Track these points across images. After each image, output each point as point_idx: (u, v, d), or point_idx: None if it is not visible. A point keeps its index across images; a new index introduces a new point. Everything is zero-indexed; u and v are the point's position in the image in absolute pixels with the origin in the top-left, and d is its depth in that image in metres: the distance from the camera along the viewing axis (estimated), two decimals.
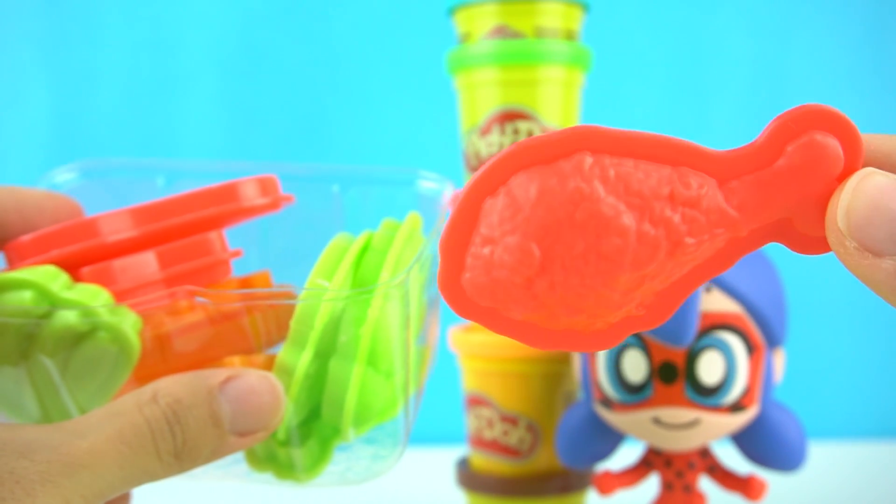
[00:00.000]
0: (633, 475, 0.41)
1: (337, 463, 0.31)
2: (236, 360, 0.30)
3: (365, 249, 0.31)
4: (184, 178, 0.38)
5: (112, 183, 0.38)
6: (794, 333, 0.41)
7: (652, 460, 0.41)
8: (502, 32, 0.43)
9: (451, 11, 0.45)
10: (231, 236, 0.35)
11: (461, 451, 0.49)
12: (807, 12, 0.69)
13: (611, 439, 0.40)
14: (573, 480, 0.45)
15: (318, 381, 0.29)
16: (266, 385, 0.28)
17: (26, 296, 0.28)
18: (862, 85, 0.69)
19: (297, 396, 0.29)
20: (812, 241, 0.21)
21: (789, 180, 0.21)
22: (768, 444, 0.39)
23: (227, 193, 0.32)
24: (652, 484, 0.41)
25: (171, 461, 0.27)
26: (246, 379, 0.28)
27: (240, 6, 0.70)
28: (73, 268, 0.30)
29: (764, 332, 0.38)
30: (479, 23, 0.43)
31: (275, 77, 0.71)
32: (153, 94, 0.70)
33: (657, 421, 0.38)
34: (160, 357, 0.30)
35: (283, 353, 0.29)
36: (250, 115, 0.71)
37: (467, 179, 0.46)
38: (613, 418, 0.39)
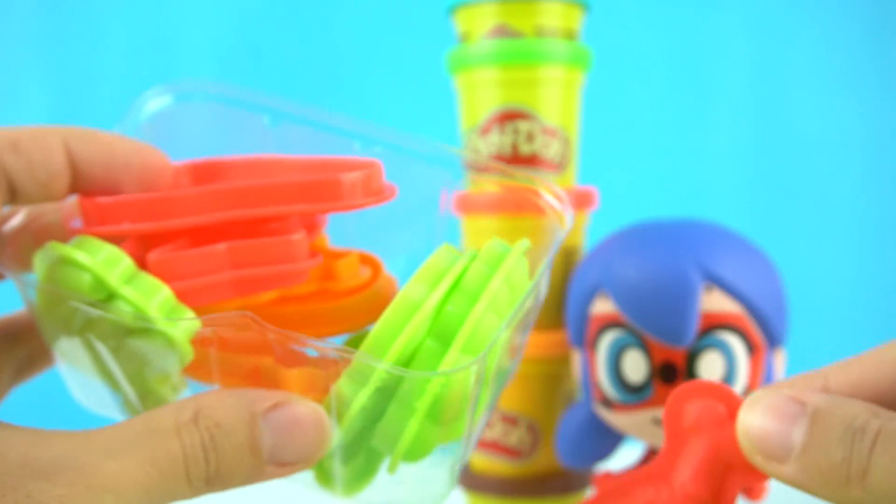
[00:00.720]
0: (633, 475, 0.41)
1: (382, 486, 0.30)
2: (294, 377, 0.28)
3: (456, 285, 0.27)
4: (290, 121, 0.34)
5: (212, 112, 0.34)
6: (795, 333, 0.41)
7: (652, 461, 0.40)
8: (502, 32, 0.43)
9: (451, 11, 0.45)
10: None
11: None
12: (807, 12, 0.69)
13: (611, 439, 0.40)
14: (573, 481, 0.45)
15: (374, 412, 0.27)
16: (313, 418, 0.26)
17: (85, 279, 0.27)
18: (862, 85, 0.69)
19: (349, 426, 0.27)
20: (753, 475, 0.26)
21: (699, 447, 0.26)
22: None
23: (330, 190, 0.28)
24: None
25: (200, 486, 0.25)
26: (292, 409, 0.26)
27: (240, 6, 0.70)
28: (145, 244, 0.28)
29: (764, 332, 0.38)
30: (479, 22, 0.43)
31: (275, 77, 0.71)
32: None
33: (657, 421, 0.38)
34: (215, 358, 0.28)
35: (343, 382, 0.26)
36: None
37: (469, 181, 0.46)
38: (613, 418, 0.39)
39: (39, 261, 0.28)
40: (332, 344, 0.26)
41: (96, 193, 0.29)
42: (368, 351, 0.26)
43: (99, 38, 0.70)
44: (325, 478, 0.30)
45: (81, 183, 0.29)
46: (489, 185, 0.43)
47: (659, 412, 0.38)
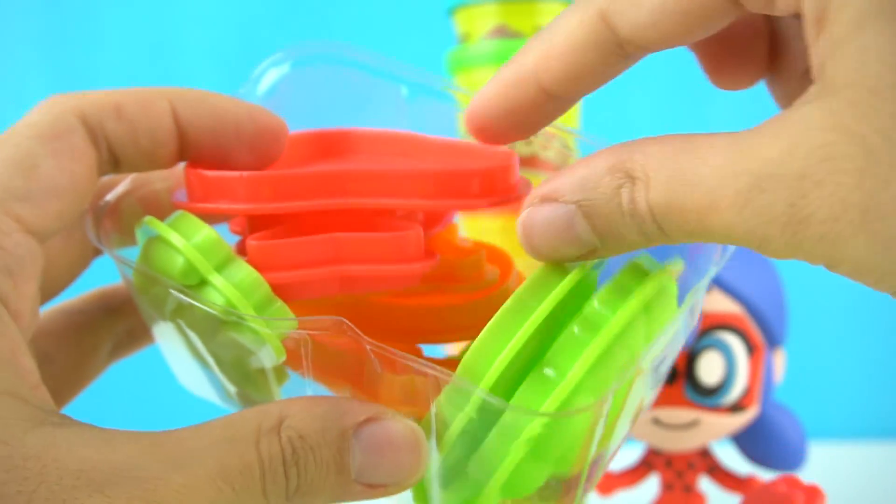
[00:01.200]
0: (634, 475, 0.41)
1: None
2: (398, 383, 0.24)
3: (579, 303, 0.23)
4: (430, 96, 0.30)
5: (345, 78, 0.30)
6: (794, 333, 0.41)
7: (652, 461, 0.40)
8: (502, 32, 0.43)
9: (451, 11, 0.45)
10: None
11: None
12: None
13: None
14: None
15: (476, 436, 0.23)
16: (408, 439, 0.23)
17: (178, 262, 0.24)
18: None
19: (450, 449, 0.24)
20: None
21: None
22: (768, 444, 0.39)
23: (459, 185, 0.25)
24: (652, 484, 0.41)
25: (280, 502, 0.23)
26: (387, 426, 0.23)
27: (240, 6, 0.70)
28: (252, 224, 0.26)
29: (764, 332, 0.38)
30: (479, 23, 0.43)
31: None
32: None
33: (657, 421, 0.38)
34: (312, 353, 0.25)
35: (444, 400, 0.23)
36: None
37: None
38: None
39: (139, 235, 0.26)
40: (430, 364, 0.23)
41: (205, 162, 0.26)
42: (468, 365, 0.23)
43: (99, 38, 0.70)
44: (423, 498, 0.26)
45: (190, 150, 0.26)
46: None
47: (659, 412, 0.38)
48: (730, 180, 0.19)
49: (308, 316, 0.24)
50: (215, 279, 0.24)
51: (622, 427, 0.26)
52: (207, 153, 0.26)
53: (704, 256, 0.26)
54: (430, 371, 0.22)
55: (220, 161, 0.26)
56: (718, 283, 0.37)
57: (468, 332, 0.26)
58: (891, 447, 0.66)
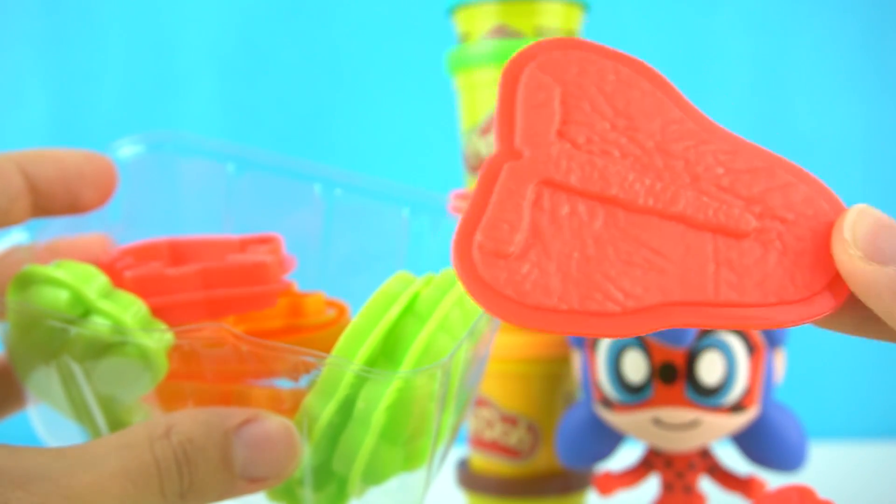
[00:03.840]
0: (634, 476, 0.41)
1: None
2: (263, 394, 0.29)
3: (411, 306, 0.28)
4: (254, 169, 0.36)
5: (180, 161, 0.36)
6: (795, 333, 0.41)
7: (652, 461, 0.40)
8: (502, 32, 0.43)
9: (451, 11, 0.45)
10: (291, 242, 0.33)
11: (461, 451, 0.49)
12: (807, 12, 0.69)
13: (611, 440, 0.40)
14: (573, 481, 0.45)
15: (341, 428, 0.28)
16: (283, 433, 0.27)
17: (62, 296, 0.27)
18: (862, 85, 0.69)
19: (317, 443, 0.28)
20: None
21: None
22: (769, 444, 0.39)
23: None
24: (652, 484, 0.41)
25: (175, 500, 0.25)
26: (263, 424, 0.27)
27: (240, 6, 0.70)
28: (122, 268, 0.30)
29: (764, 331, 0.38)
30: (479, 22, 0.43)
31: (275, 77, 0.71)
32: (153, 95, 0.70)
33: (657, 421, 0.38)
34: (187, 374, 0.29)
35: (310, 397, 0.27)
36: (250, 115, 0.70)
37: (468, 180, 0.46)
38: (613, 419, 0.39)
39: (15, 286, 0.29)
40: (304, 350, 0.26)
41: (58, 205, 0.30)
42: (328, 372, 0.27)
43: (99, 39, 0.70)
44: None
45: (43, 199, 0.30)
46: None
47: (659, 412, 0.38)
48: None
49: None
50: (101, 303, 0.27)
51: (454, 417, 0.31)
52: (59, 199, 0.30)
53: None
54: (306, 356, 0.26)
55: (72, 203, 0.31)
56: None
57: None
58: (891, 447, 0.66)
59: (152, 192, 0.36)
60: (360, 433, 0.27)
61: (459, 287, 0.28)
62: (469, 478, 0.46)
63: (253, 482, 0.26)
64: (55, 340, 0.28)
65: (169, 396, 0.29)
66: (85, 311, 0.28)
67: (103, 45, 0.70)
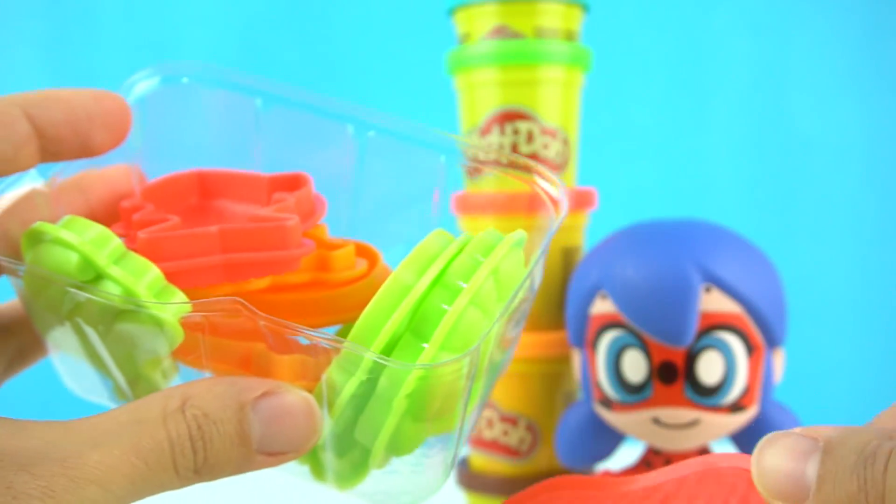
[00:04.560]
0: (633, 475, 0.41)
1: (375, 476, 0.29)
2: (286, 363, 0.27)
3: (441, 276, 0.26)
4: (283, 105, 0.34)
5: (203, 94, 0.34)
6: (794, 333, 0.41)
7: (652, 460, 0.41)
8: (502, 33, 0.43)
9: (451, 12, 0.45)
10: (320, 184, 0.31)
11: (461, 451, 0.49)
12: (807, 13, 0.69)
13: (610, 439, 0.40)
14: None
15: (362, 402, 0.27)
16: (303, 407, 0.26)
17: (72, 259, 0.26)
18: (862, 84, 0.69)
19: (340, 414, 0.26)
20: None
21: None
22: None
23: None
24: None
25: (189, 476, 0.25)
26: (282, 398, 0.26)
27: (240, 6, 0.70)
28: (135, 226, 0.28)
29: (764, 332, 0.38)
30: (479, 23, 0.43)
31: (275, 77, 0.71)
32: None
33: (657, 421, 0.38)
34: (205, 341, 0.28)
35: (333, 370, 0.26)
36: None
37: (466, 182, 0.46)
38: (613, 418, 0.39)
39: (26, 242, 0.27)
40: (322, 333, 0.25)
41: (68, 149, 0.29)
42: (356, 338, 0.26)
43: (99, 38, 0.70)
44: (319, 471, 0.29)
45: (51, 146, 0.28)
46: (487, 185, 0.43)
47: (658, 412, 0.38)
48: None
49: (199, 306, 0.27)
50: (112, 269, 0.26)
51: (484, 384, 0.29)
52: (69, 143, 0.29)
53: (545, 219, 0.30)
54: (323, 340, 0.25)
55: (82, 146, 0.29)
56: (718, 283, 0.37)
57: (345, 315, 0.30)
58: None
59: (173, 128, 0.34)
60: (383, 410, 0.26)
61: (495, 255, 0.26)
62: (469, 477, 0.46)
63: (271, 456, 0.26)
64: (67, 303, 0.27)
65: (187, 350, 0.28)
66: (96, 276, 0.26)
67: (103, 45, 0.70)
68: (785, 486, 0.23)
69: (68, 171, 0.31)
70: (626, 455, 0.43)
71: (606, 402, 0.39)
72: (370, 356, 0.25)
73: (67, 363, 0.31)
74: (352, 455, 0.28)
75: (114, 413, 0.25)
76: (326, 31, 0.70)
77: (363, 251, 0.32)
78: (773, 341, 0.38)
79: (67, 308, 0.27)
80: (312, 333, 0.25)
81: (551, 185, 0.31)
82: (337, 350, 0.25)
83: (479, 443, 0.46)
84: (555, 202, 0.30)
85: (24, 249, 0.28)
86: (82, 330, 0.27)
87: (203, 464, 0.25)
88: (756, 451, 0.24)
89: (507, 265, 0.27)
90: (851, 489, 0.21)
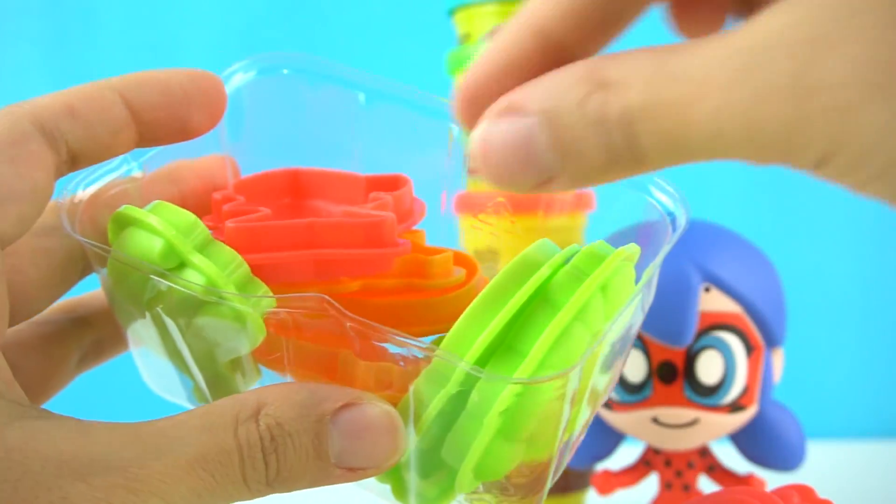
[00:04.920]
0: (633, 475, 0.41)
1: None
2: (371, 372, 0.25)
3: (543, 288, 0.24)
4: (384, 100, 0.32)
5: (302, 86, 0.32)
6: (793, 333, 0.41)
7: (651, 460, 0.41)
8: None
9: (451, 12, 0.45)
10: (420, 186, 0.30)
11: None
12: None
13: (610, 439, 0.40)
14: (572, 480, 0.45)
15: (452, 419, 0.24)
16: (385, 422, 0.24)
17: (157, 245, 0.25)
18: None
19: (426, 430, 0.24)
20: None
21: None
22: (767, 443, 0.39)
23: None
24: (651, 483, 0.41)
25: (260, 488, 0.23)
26: (364, 411, 0.24)
27: (240, 6, 0.70)
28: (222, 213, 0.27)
29: (763, 331, 0.38)
30: (479, 23, 0.43)
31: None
32: None
33: (656, 420, 0.38)
34: (287, 342, 0.26)
35: (422, 381, 0.24)
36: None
37: (468, 181, 0.46)
38: (613, 418, 0.39)
39: (113, 226, 0.26)
40: (413, 339, 0.23)
41: (165, 133, 0.28)
42: (448, 348, 0.24)
43: (99, 38, 0.70)
44: (401, 491, 0.27)
45: (148, 127, 0.27)
46: (487, 185, 0.43)
47: (658, 411, 0.38)
48: (720, 62, 0.17)
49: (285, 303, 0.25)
50: (196, 258, 0.25)
51: (584, 411, 0.27)
52: (166, 126, 0.27)
53: (657, 236, 0.27)
54: (413, 346, 0.23)
55: (180, 129, 0.28)
56: (717, 283, 0.37)
57: (439, 325, 0.27)
58: (889, 447, 0.66)
59: (270, 121, 0.33)
60: (472, 428, 0.23)
61: (605, 269, 0.24)
62: None
63: (350, 472, 0.24)
64: (149, 291, 0.26)
65: (268, 350, 0.26)
66: (180, 263, 0.25)
67: (103, 45, 0.70)
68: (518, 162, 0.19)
69: (162, 159, 0.30)
70: (625, 454, 0.43)
71: (606, 402, 0.39)
72: (463, 366, 0.23)
73: (148, 359, 0.30)
74: (437, 476, 0.26)
75: (184, 417, 0.23)
76: (326, 32, 0.70)
77: (462, 260, 0.30)
78: (772, 341, 0.38)
79: (149, 297, 0.26)
80: (402, 339, 0.23)
81: (667, 197, 0.29)
82: (428, 359, 0.23)
83: None
84: (670, 215, 0.28)
85: (110, 234, 0.27)
86: (163, 322, 0.26)
87: (276, 477, 0.23)
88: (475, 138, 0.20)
89: (617, 281, 0.25)
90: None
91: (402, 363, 0.24)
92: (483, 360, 0.23)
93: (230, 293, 0.24)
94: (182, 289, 0.25)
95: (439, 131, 0.32)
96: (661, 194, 0.28)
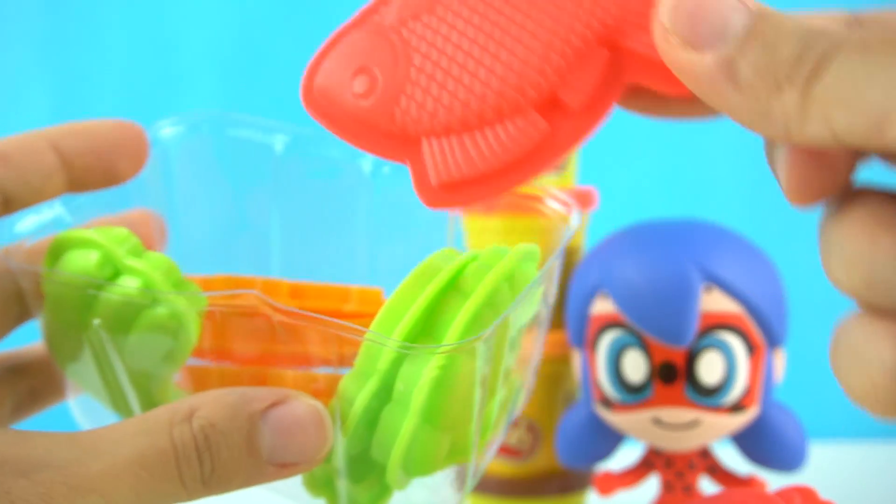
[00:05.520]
0: (634, 475, 0.41)
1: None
2: (295, 376, 0.27)
3: (454, 281, 0.26)
4: (304, 145, 0.34)
5: (223, 139, 0.35)
6: (795, 333, 0.41)
7: (652, 460, 0.40)
8: None
9: None
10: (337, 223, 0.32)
11: None
12: (808, 10, 0.69)
13: (611, 439, 0.40)
14: (573, 481, 0.45)
15: (380, 412, 0.26)
16: (312, 416, 0.25)
17: (91, 258, 0.27)
18: None
19: (354, 430, 0.26)
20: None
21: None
22: (769, 444, 0.39)
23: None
24: (652, 484, 0.41)
25: (197, 487, 0.24)
26: (292, 407, 0.25)
27: (240, 6, 0.70)
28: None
29: (764, 331, 0.38)
30: None
31: (274, 77, 0.71)
32: (153, 95, 0.70)
33: (657, 421, 0.38)
34: (218, 351, 0.28)
35: (347, 379, 0.26)
36: (250, 115, 0.70)
37: None
38: (613, 418, 0.39)
39: (48, 257, 0.28)
40: (341, 323, 0.25)
41: (95, 179, 0.30)
42: (365, 352, 0.25)
43: (99, 39, 0.70)
44: (338, 502, 0.28)
45: (78, 175, 0.29)
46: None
47: (659, 412, 0.38)
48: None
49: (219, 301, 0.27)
50: (131, 262, 0.26)
51: (500, 411, 0.29)
52: (94, 172, 0.30)
53: (560, 234, 0.30)
54: (341, 326, 0.25)
55: (107, 174, 0.30)
56: (718, 283, 0.37)
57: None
58: (892, 448, 0.65)
59: (192, 174, 0.35)
60: (399, 415, 0.25)
61: (509, 261, 0.26)
62: None
63: (282, 468, 0.25)
64: (86, 308, 0.27)
65: (200, 380, 0.28)
66: (115, 271, 0.27)
67: (103, 45, 0.70)
68: (696, 24, 0.19)
69: (92, 205, 0.32)
70: (626, 455, 0.43)
71: (607, 403, 0.39)
72: (392, 344, 0.25)
73: (86, 407, 0.32)
74: (369, 480, 0.28)
75: (119, 424, 0.24)
76: (326, 31, 0.70)
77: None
78: (773, 341, 0.38)
79: (86, 316, 0.27)
80: (332, 321, 0.25)
81: (559, 204, 0.31)
82: (352, 357, 0.25)
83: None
84: (564, 217, 0.31)
85: (46, 264, 0.28)
86: (101, 346, 0.27)
87: (211, 475, 0.24)
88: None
89: (521, 274, 0.27)
90: (782, 55, 0.18)
91: (328, 368, 0.26)
92: (400, 358, 0.25)
93: (165, 292, 0.26)
94: (119, 296, 0.26)
95: (352, 169, 0.34)
96: (554, 203, 0.31)
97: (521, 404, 0.32)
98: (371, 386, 0.25)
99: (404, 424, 0.25)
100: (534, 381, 0.33)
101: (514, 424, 0.44)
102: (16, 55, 0.70)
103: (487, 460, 0.30)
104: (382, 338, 0.25)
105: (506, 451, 0.45)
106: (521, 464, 0.45)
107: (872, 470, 0.59)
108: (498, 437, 0.31)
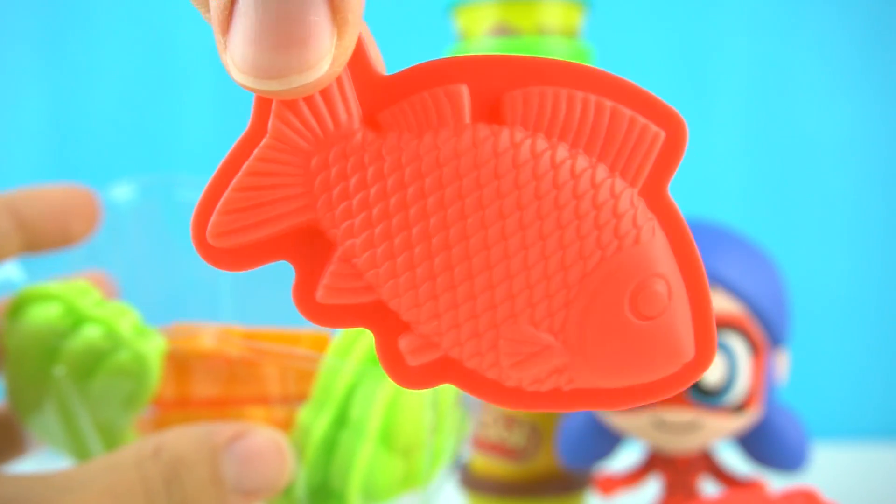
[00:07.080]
0: (635, 476, 0.41)
1: None
2: (257, 412, 0.29)
3: None
4: None
5: (177, 202, 0.37)
6: (797, 334, 0.41)
7: (654, 461, 0.40)
8: (502, 30, 0.43)
9: (451, 9, 0.44)
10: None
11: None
12: (807, 12, 0.69)
13: (611, 440, 0.40)
14: (573, 481, 0.45)
15: (336, 442, 0.28)
16: (273, 447, 0.27)
17: (53, 310, 0.28)
18: (863, 85, 0.69)
19: (313, 460, 0.28)
20: None
21: None
22: (771, 445, 0.38)
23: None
24: (653, 485, 0.41)
25: None
26: (253, 439, 0.27)
27: None
28: None
29: (766, 332, 0.38)
30: (479, 21, 0.43)
31: None
32: (152, 95, 0.70)
33: (659, 422, 0.38)
34: (179, 397, 0.29)
35: (304, 412, 0.28)
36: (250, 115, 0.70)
37: None
38: (614, 419, 0.39)
39: (9, 316, 0.29)
40: (298, 352, 0.27)
41: (52, 240, 0.31)
42: (321, 382, 0.27)
43: (98, 39, 0.70)
44: None
45: (33, 237, 0.30)
46: None
47: (660, 413, 0.38)
48: None
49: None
50: (94, 310, 0.28)
51: (448, 434, 0.30)
52: (49, 233, 0.31)
53: None
54: (301, 357, 0.27)
55: (61, 235, 0.31)
56: (720, 283, 0.37)
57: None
58: (894, 448, 0.65)
59: (146, 235, 0.37)
60: (355, 440, 0.27)
61: None
62: (469, 478, 0.46)
63: (246, 496, 0.27)
64: (47, 360, 0.28)
65: (161, 425, 0.29)
66: (77, 320, 0.28)
67: (102, 46, 0.70)
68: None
69: (47, 266, 0.33)
70: (626, 456, 0.43)
71: None
72: (349, 368, 0.26)
73: (47, 465, 0.33)
74: None
75: (88, 464, 0.25)
76: None
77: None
78: (776, 342, 0.38)
79: (49, 368, 0.28)
80: (289, 351, 0.27)
81: None
82: (310, 392, 0.27)
83: (480, 444, 0.45)
84: None
85: (6, 323, 0.29)
86: (64, 395, 0.28)
87: None
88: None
89: None
90: None
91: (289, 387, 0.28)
92: (353, 385, 0.27)
93: (126, 335, 0.28)
94: (82, 342, 0.27)
95: None
96: None
97: (469, 431, 0.34)
98: (327, 414, 0.27)
99: (360, 449, 0.27)
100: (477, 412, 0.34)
101: (514, 425, 0.44)
102: (13, 55, 0.70)
103: (440, 488, 0.31)
104: (339, 362, 0.26)
105: (506, 451, 0.45)
106: (521, 464, 0.45)
107: (877, 471, 0.59)
108: (449, 464, 0.32)
